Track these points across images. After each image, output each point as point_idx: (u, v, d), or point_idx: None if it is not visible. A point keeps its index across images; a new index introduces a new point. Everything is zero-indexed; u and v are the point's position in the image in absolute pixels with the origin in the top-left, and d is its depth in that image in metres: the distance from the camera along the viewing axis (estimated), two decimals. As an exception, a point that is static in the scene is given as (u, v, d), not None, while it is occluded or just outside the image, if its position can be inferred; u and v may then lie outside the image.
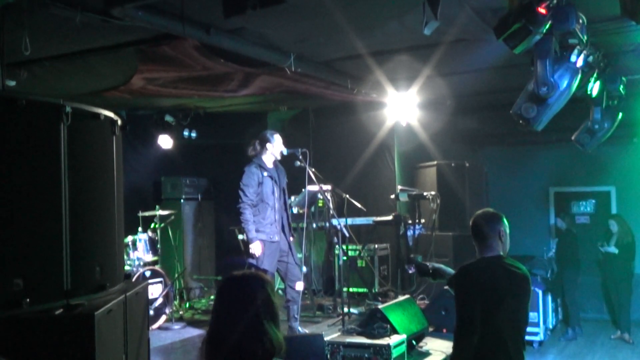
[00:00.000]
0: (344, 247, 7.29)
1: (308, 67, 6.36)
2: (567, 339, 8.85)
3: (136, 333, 4.17)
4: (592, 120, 6.86)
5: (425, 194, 8.44)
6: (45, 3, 4.19)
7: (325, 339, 5.62)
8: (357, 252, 8.53)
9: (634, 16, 4.48)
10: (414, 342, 6.18)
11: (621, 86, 6.53)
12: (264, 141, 6.35)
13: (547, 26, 4.25)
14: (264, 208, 6.21)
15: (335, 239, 7.14)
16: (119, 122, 4.08)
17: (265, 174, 6.26)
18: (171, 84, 6.95)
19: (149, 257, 7.70)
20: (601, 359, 8.00)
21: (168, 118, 9.26)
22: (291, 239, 6.48)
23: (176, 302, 8.11)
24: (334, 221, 7.06)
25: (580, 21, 4.59)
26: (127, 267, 7.20)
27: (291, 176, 6.79)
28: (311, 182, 6.60)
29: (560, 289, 9.20)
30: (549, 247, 9.43)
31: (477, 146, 11.09)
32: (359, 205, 7.75)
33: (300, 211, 7.60)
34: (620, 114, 7.02)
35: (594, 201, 10.73)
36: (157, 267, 7.60)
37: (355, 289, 8.47)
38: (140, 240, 7.63)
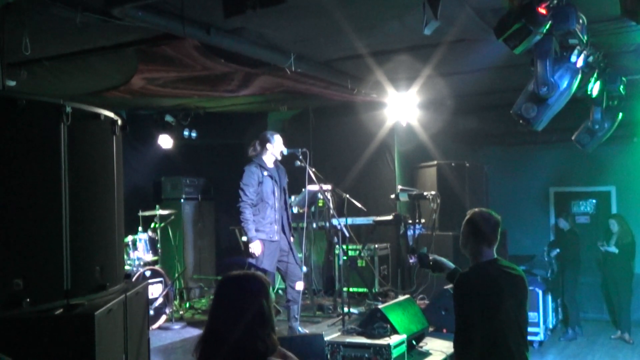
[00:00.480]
0: (344, 247, 7.29)
1: (308, 67, 6.36)
2: (567, 339, 8.85)
3: (136, 333, 4.17)
4: (592, 120, 6.87)
5: (425, 193, 8.44)
6: (45, 3, 4.20)
7: (326, 339, 5.61)
8: (357, 252, 8.53)
9: (634, 16, 4.48)
10: (414, 342, 6.18)
11: (621, 86, 6.53)
12: (264, 141, 6.35)
13: (547, 26, 4.25)
14: (264, 207, 6.21)
15: (336, 239, 7.14)
16: (119, 122, 4.08)
17: (265, 173, 6.26)
18: (171, 84, 6.95)
19: (149, 257, 7.70)
20: (601, 359, 8.01)
21: (168, 118, 9.26)
22: (291, 239, 6.48)
23: (176, 302, 8.11)
24: (334, 221, 7.06)
25: (581, 21, 4.59)
26: (127, 267, 7.20)
27: (291, 176, 6.79)
28: (311, 181, 6.60)
29: (560, 289, 9.21)
30: (549, 255, 9.37)
31: (477, 146, 11.09)
32: (359, 205, 7.75)
33: (301, 211, 7.60)
34: (621, 114, 7.03)
35: (594, 201, 10.74)
36: (157, 267, 7.60)
37: (355, 289, 8.47)
38: (140, 240, 7.63)
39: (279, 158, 6.44)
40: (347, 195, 7.61)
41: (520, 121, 5.09)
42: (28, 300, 3.23)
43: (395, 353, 5.49)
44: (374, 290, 8.36)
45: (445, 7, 4.18)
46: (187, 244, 9.51)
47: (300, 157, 6.44)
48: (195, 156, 10.20)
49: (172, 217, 8.46)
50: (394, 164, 9.45)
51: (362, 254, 8.55)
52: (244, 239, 6.28)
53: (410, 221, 8.54)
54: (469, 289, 3.41)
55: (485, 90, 8.26)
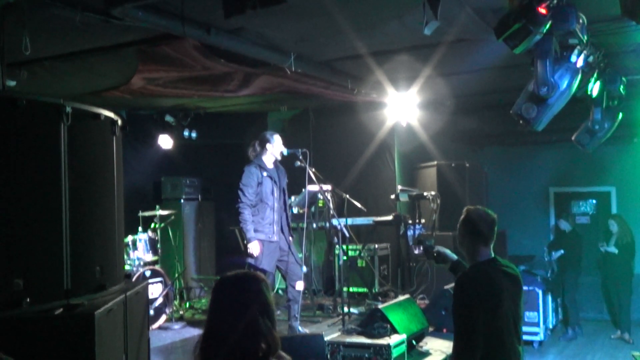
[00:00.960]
0: (344, 247, 7.29)
1: (308, 67, 6.36)
2: (567, 339, 8.85)
3: (136, 333, 4.17)
4: (592, 121, 6.86)
5: (425, 194, 8.44)
6: (45, 3, 4.19)
7: (326, 338, 5.61)
8: (357, 252, 8.53)
9: (634, 16, 4.48)
10: (414, 342, 6.18)
11: (621, 86, 6.53)
12: (263, 142, 6.35)
13: (547, 26, 4.25)
14: (263, 208, 6.21)
15: (336, 239, 7.14)
16: (119, 122, 4.08)
17: (264, 174, 6.25)
18: (171, 84, 6.95)
19: (149, 257, 7.70)
20: (601, 359, 8.00)
21: (168, 118, 9.26)
22: (290, 239, 6.48)
23: (176, 302, 8.11)
24: (334, 221, 7.06)
25: (581, 21, 4.60)
26: (127, 267, 7.20)
27: (291, 176, 6.79)
28: (311, 182, 6.60)
29: (560, 289, 9.21)
30: (551, 256, 9.36)
31: (477, 146, 11.10)
32: (359, 205, 7.75)
33: (301, 211, 7.60)
34: (621, 114, 7.02)
35: (594, 201, 10.75)
36: (157, 267, 7.60)
37: (355, 289, 8.47)
38: (140, 240, 7.63)
39: (279, 158, 6.44)
40: (347, 196, 7.61)
41: (520, 121, 5.09)
42: (28, 300, 3.23)
43: (395, 353, 5.49)
44: (374, 290, 8.36)
45: (445, 7, 4.18)
46: (187, 244, 9.51)
47: (300, 157, 6.44)
48: (195, 156, 10.20)
49: (172, 217, 8.46)
50: (394, 164, 9.45)
51: (362, 254, 8.55)
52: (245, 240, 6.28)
53: (410, 221, 8.54)
54: (470, 290, 3.39)
55: (485, 90, 8.26)
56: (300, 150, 6.44)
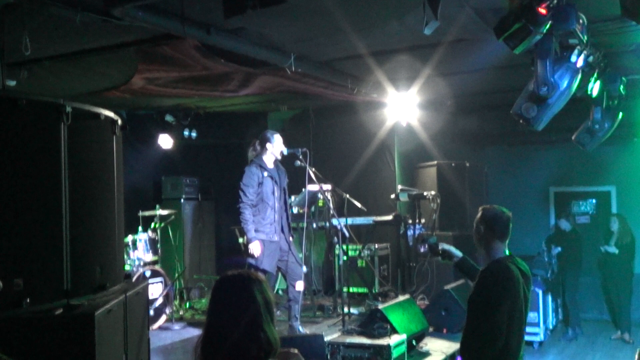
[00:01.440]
0: (344, 247, 7.28)
1: (308, 67, 6.36)
2: (567, 339, 8.85)
3: (136, 333, 4.17)
4: (592, 120, 6.86)
5: (425, 193, 8.44)
6: (45, 3, 4.19)
7: (326, 339, 5.61)
8: (357, 252, 8.53)
9: (634, 16, 4.48)
10: (414, 342, 6.18)
11: (621, 86, 6.53)
12: (264, 141, 6.36)
13: (548, 26, 4.24)
14: (264, 208, 6.22)
15: (336, 239, 7.14)
16: (119, 121, 4.08)
17: (265, 174, 6.26)
18: (171, 84, 6.95)
19: (149, 257, 7.70)
20: (601, 359, 8.00)
21: (168, 118, 9.26)
22: (290, 239, 6.48)
23: (176, 302, 8.11)
24: (334, 221, 7.06)
25: (581, 21, 4.59)
26: (127, 267, 7.20)
27: (291, 176, 6.80)
28: (311, 181, 6.60)
29: (560, 289, 9.21)
30: (550, 252, 9.38)
31: (477, 146, 11.08)
32: (359, 205, 7.74)
33: (301, 211, 7.60)
34: (621, 114, 7.02)
35: (594, 201, 10.73)
36: (157, 267, 7.60)
37: (355, 289, 8.47)
38: (140, 240, 7.63)
39: (279, 158, 6.44)
40: (347, 195, 7.61)
41: (520, 121, 5.09)
42: (28, 300, 3.23)
43: (395, 353, 5.49)
44: (374, 291, 8.36)
45: (445, 7, 4.18)
46: (187, 244, 9.52)
47: (301, 157, 6.44)
48: (195, 156, 10.20)
49: (172, 217, 8.46)
50: (394, 164, 9.45)
51: (362, 254, 8.55)
52: (241, 240, 6.28)
53: (410, 221, 8.54)
54: (496, 284, 3.44)
55: (485, 90, 8.26)
56: (300, 150, 6.44)
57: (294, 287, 6.33)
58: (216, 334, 2.12)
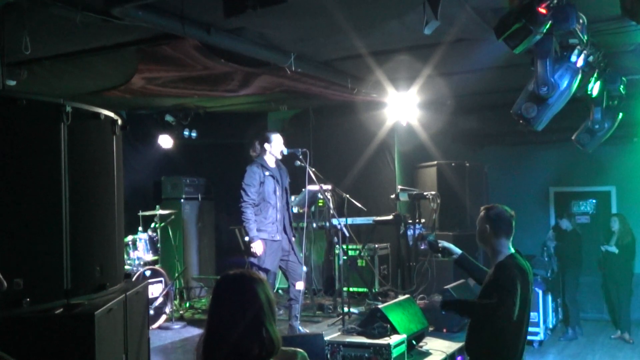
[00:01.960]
0: (344, 246, 7.29)
1: (308, 67, 6.36)
2: (567, 339, 8.85)
3: (136, 332, 4.17)
4: (592, 120, 6.86)
5: (425, 193, 8.43)
6: (45, 3, 4.19)
7: (326, 338, 5.61)
8: (357, 252, 8.53)
9: (634, 16, 4.48)
10: (414, 342, 6.18)
11: (621, 86, 6.53)
12: (263, 141, 6.37)
13: (548, 26, 4.25)
14: (266, 207, 6.22)
15: (336, 239, 7.14)
16: (119, 121, 4.08)
17: (267, 173, 6.26)
18: (171, 84, 6.95)
19: (149, 257, 7.70)
20: (601, 359, 8.00)
21: (168, 118, 9.26)
22: (292, 238, 6.48)
23: (176, 302, 8.11)
24: (334, 221, 7.06)
25: (581, 21, 4.59)
26: (127, 267, 7.19)
27: (292, 176, 6.80)
28: (311, 181, 6.60)
29: (560, 289, 9.21)
30: (548, 247, 9.40)
31: (477, 146, 11.08)
32: (359, 205, 7.74)
33: (301, 211, 7.60)
34: (621, 114, 7.03)
35: (594, 201, 10.73)
36: (157, 267, 7.60)
37: (355, 289, 8.47)
38: (140, 239, 7.63)
39: (279, 157, 6.44)
40: (347, 195, 7.61)
41: (520, 121, 5.09)
42: (28, 300, 3.24)
43: (395, 353, 5.49)
44: (374, 290, 8.36)
45: (445, 7, 4.18)
46: (187, 244, 9.51)
47: (300, 157, 6.45)
48: (195, 156, 10.20)
49: (172, 216, 8.46)
50: (394, 164, 9.45)
51: (362, 254, 8.55)
52: (246, 238, 6.28)
53: (410, 221, 8.54)
54: (514, 274, 3.53)
55: (485, 90, 8.26)
56: (300, 150, 6.44)
57: (295, 286, 6.34)
58: (218, 333, 2.12)
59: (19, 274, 3.22)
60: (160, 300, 7.30)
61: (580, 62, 5.12)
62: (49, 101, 3.50)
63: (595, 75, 6.08)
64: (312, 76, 6.73)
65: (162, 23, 4.65)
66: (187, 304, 8.63)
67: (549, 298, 8.78)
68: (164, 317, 7.36)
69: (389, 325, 5.79)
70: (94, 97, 7.04)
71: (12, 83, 5.78)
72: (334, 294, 7.98)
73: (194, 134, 9.62)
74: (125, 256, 7.30)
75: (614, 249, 8.84)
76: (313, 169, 6.56)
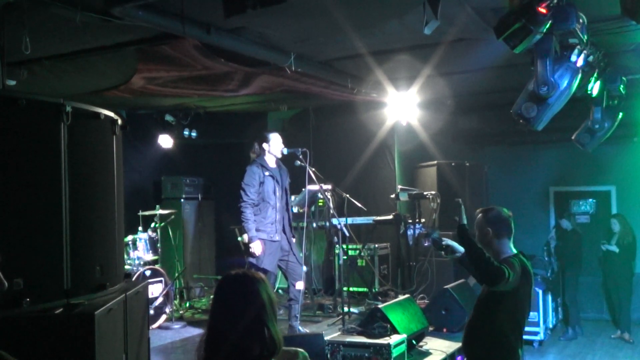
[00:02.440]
0: (344, 246, 7.29)
1: (308, 67, 6.36)
2: (567, 339, 8.85)
3: (136, 332, 4.17)
4: (592, 120, 6.86)
5: (425, 193, 8.44)
6: (45, 3, 4.19)
7: (326, 338, 5.61)
8: (357, 252, 8.53)
9: (634, 16, 4.48)
10: (414, 342, 6.18)
11: (621, 86, 6.53)
12: (262, 141, 6.37)
13: (548, 26, 4.24)
14: (265, 207, 6.22)
15: (336, 239, 7.14)
16: (119, 121, 4.08)
17: (267, 173, 6.27)
18: (171, 84, 6.95)
19: (149, 257, 7.70)
20: (601, 359, 8.00)
21: (168, 118, 9.26)
22: (292, 239, 6.48)
23: (176, 302, 8.11)
24: (334, 220, 7.06)
25: (581, 21, 4.59)
26: (127, 267, 7.19)
27: (292, 176, 6.80)
28: (311, 181, 6.60)
29: (560, 289, 9.21)
30: (549, 247, 9.40)
31: (477, 146, 11.09)
32: (359, 204, 7.75)
33: (301, 210, 7.60)
34: (621, 114, 7.02)
35: (594, 201, 10.73)
36: (157, 267, 7.60)
37: (355, 289, 8.47)
38: (140, 239, 7.63)
39: (279, 157, 6.45)
40: (347, 195, 7.61)
41: (520, 121, 5.09)
42: (28, 299, 3.24)
43: (395, 352, 5.49)
44: (374, 290, 8.36)
45: (445, 7, 4.18)
46: (187, 244, 9.51)
47: (300, 156, 6.45)
48: (195, 156, 10.20)
49: (172, 216, 8.46)
50: (394, 163, 9.45)
51: (362, 254, 8.55)
52: (245, 238, 6.27)
53: (410, 221, 8.54)
54: (519, 280, 3.54)
55: (485, 90, 8.26)
56: (300, 149, 6.45)
57: (294, 286, 6.34)
58: (220, 333, 2.12)
59: (19, 274, 3.22)
60: (160, 300, 7.30)
61: (580, 62, 5.12)
62: (49, 101, 3.50)
63: (595, 75, 6.08)
64: (312, 76, 6.73)
65: (162, 23, 4.65)
66: (187, 304, 8.63)
67: (549, 298, 8.78)
68: (164, 317, 7.36)
69: (389, 325, 5.79)
70: (94, 97, 7.04)
71: (12, 83, 5.78)
72: (334, 294, 7.98)
73: (194, 134, 9.62)
74: (125, 256, 7.30)
75: (614, 248, 8.84)
76: (313, 169, 6.56)
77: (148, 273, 7.30)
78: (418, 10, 4.28)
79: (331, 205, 7.16)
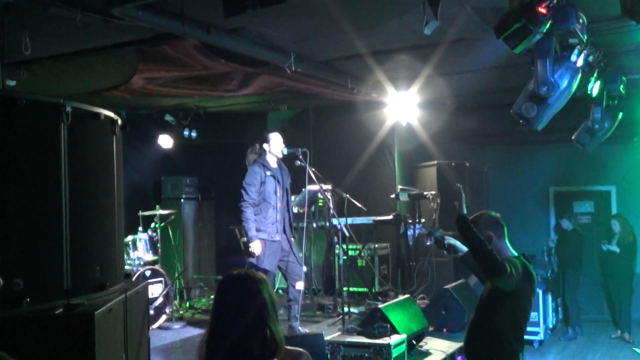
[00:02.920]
0: (344, 246, 7.29)
1: (308, 67, 6.36)
2: (567, 339, 8.85)
3: (136, 332, 4.17)
4: (592, 120, 6.87)
5: (425, 193, 8.43)
6: (45, 3, 4.19)
7: (326, 338, 5.61)
8: (357, 252, 8.53)
9: (634, 16, 4.49)
10: (414, 342, 6.18)
11: (621, 86, 6.53)
12: (262, 141, 6.38)
13: (548, 26, 4.25)
14: (266, 207, 6.22)
15: (336, 239, 7.14)
16: (119, 121, 4.08)
17: (268, 173, 6.27)
18: (171, 84, 6.95)
19: (149, 257, 7.70)
20: (601, 359, 8.00)
21: (168, 118, 9.27)
22: (292, 239, 6.48)
23: (176, 302, 8.11)
24: (334, 221, 7.06)
25: (581, 21, 4.59)
26: (127, 267, 7.19)
27: (292, 176, 6.80)
28: (311, 181, 6.60)
29: (560, 289, 9.21)
30: (548, 245, 9.42)
31: (477, 146, 11.08)
32: (359, 204, 7.75)
33: (301, 210, 7.60)
34: (621, 114, 7.03)
35: (594, 201, 10.73)
36: (157, 267, 7.60)
37: (355, 289, 8.47)
38: (140, 239, 7.63)
39: (280, 156, 6.45)
40: (347, 195, 7.61)
41: (520, 121, 5.09)
42: (28, 300, 3.23)
43: (395, 352, 5.49)
44: (374, 290, 8.36)
45: (445, 7, 4.18)
46: (187, 244, 9.51)
47: (300, 156, 6.45)
48: (195, 156, 10.20)
49: (172, 216, 8.46)
50: (394, 163, 9.45)
51: (362, 254, 8.55)
52: (243, 239, 6.28)
53: (410, 221, 8.54)
54: (521, 281, 3.53)
55: (485, 90, 8.26)
56: (300, 149, 6.44)
57: (294, 286, 6.34)
58: (221, 332, 2.12)
59: (19, 274, 3.22)
60: (160, 300, 7.30)
61: (580, 62, 5.12)
62: (49, 101, 3.49)
63: (595, 75, 6.08)
64: (312, 76, 6.73)
65: (162, 23, 4.65)
66: (187, 304, 8.63)
67: (549, 298, 8.78)
68: (164, 317, 7.36)
69: (389, 325, 5.80)
70: (94, 97, 7.04)
71: (12, 83, 5.78)
72: (334, 294, 7.98)
73: (194, 134, 9.63)
74: (125, 256, 7.30)
75: (615, 248, 8.84)
76: (313, 169, 6.56)
77: (148, 273, 7.30)
78: (418, 10, 4.29)
79: (331, 205, 7.16)
